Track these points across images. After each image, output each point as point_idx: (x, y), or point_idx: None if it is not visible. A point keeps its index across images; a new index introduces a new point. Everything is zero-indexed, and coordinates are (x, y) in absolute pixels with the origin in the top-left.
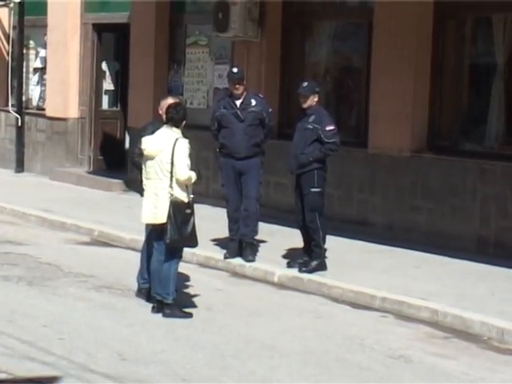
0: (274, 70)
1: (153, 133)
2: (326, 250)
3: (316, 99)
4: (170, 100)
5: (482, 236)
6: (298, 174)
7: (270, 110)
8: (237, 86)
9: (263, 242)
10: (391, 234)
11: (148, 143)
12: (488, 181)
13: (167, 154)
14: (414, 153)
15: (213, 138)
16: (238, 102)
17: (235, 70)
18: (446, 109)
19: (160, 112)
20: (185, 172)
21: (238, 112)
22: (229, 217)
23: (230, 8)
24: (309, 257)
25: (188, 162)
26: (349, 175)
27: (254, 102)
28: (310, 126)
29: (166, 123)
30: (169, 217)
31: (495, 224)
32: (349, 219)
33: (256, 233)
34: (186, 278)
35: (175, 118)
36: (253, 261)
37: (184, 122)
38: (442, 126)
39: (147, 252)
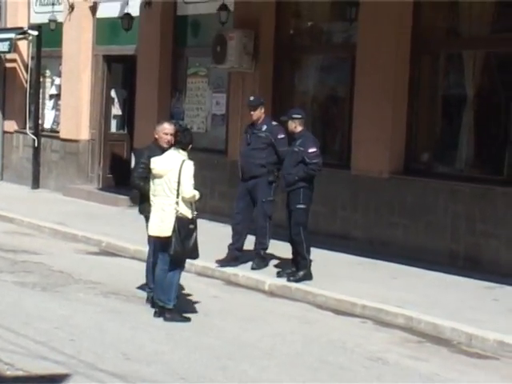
0: (266, 98)
1: (148, 157)
2: (311, 261)
3: (295, 124)
4: (166, 125)
5: (452, 250)
6: (287, 192)
7: (281, 136)
8: (251, 113)
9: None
10: (371, 247)
11: (157, 163)
12: (458, 200)
13: (175, 173)
14: (391, 174)
15: None
16: (253, 127)
17: (252, 98)
18: (420, 135)
19: (156, 136)
20: (190, 190)
21: (248, 136)
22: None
23: (228, 42)
24: (296, 267)
25: (193, 181)
26: (333, 194)
27: (264, 128)
28: (296, 149)
29: (174, 145)
30: (174, 231)
31: (464, 239)
32: (333, 234)
33: (263, 245)
34: (186, 286)
35: (183, 141)
36: (256, 269)
37: (190, 146)
38: (418, 151)
39: (152, 263)
